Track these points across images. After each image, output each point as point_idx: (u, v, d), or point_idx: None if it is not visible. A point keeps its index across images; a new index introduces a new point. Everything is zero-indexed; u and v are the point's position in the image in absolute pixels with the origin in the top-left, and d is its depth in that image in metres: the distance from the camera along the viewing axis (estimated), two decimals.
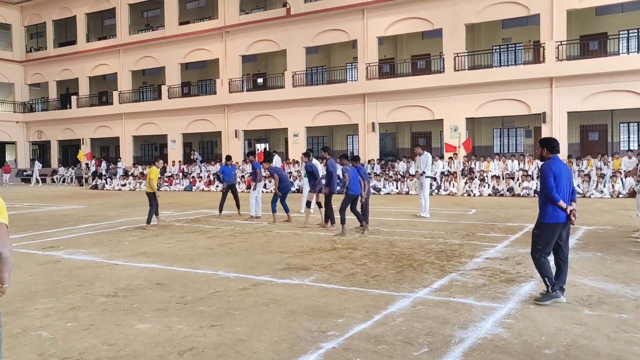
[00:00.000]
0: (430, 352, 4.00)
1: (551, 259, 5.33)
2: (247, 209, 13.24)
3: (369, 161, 24.03)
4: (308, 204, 11.79)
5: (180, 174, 27.52)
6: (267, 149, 31.79)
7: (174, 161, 29.78)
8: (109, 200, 19.86)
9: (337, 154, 15.16)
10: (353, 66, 27.77)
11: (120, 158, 32.59)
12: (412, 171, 20.79)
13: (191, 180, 26.47)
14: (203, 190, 25.34)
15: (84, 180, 30.96)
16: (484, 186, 19.53)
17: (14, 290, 5.85)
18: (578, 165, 19.83)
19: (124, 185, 27.85)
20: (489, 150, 25.75)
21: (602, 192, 17.68)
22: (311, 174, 11.78)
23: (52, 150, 37.66)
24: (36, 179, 33.69)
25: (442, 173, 21.02)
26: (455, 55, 23.14)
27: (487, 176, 20.17)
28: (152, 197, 11.48)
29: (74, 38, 35.80)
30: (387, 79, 25.81)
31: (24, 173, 36.31)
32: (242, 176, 23.85)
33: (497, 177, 19.75)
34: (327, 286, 6.02)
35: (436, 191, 19.66)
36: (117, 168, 31.05)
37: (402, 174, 21.87)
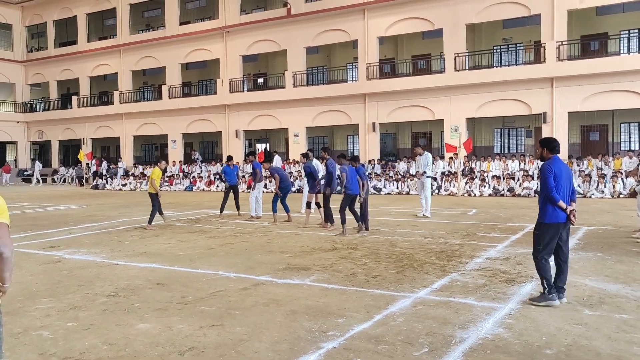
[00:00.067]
0: (430, 352, 4.00)
1: (551, 259, 5.33)
2: (247, 209, 13.24)
3: (370, 161, 24.01)
4: (308, 204, 11.77)
5: (181, 174, 27.53)
6: (268, 149, 31.78)
7: (174, 161, 29.78)
8: (110, 200, 19.87)
9: (337, 154, 15.13)
10: (353, 66, 27.78)
11: (121, 158, 32.57)
12: (412, 171, 20.78)
13: (192, 180, 26.47)
14: (203, 190, 25.34)
15: (84, 180, 30.96)
16: (485, 186, 19.53)
17: (15, 290, 5.86)
18: (579, 166, 19.81)
19: (125, 185, 27.86)
20: (489, 150, 25.73)
21: (602, 192, 17.67)
22: (310, 174, 11.74)
23: (53, 150, 37.69)
24: (37, 178, 33.70)
25: (443, 173, 21.02)
26: (456, 55, 23.13)
27: (487, 176, 20.17)
28: (154, 197, 11.52)
29: (74, 38, 35.84)
30: (388, 79, 25.79)
31: (25, 173, 36.33)
32: (243, 176, 23.85)
33: (498, 177, 19.74)
34: (327, 286, 6.03)
35: (437, 191, 19.64)
36: (117, 168, 31.04)
37: (402, 174, 21.86)
